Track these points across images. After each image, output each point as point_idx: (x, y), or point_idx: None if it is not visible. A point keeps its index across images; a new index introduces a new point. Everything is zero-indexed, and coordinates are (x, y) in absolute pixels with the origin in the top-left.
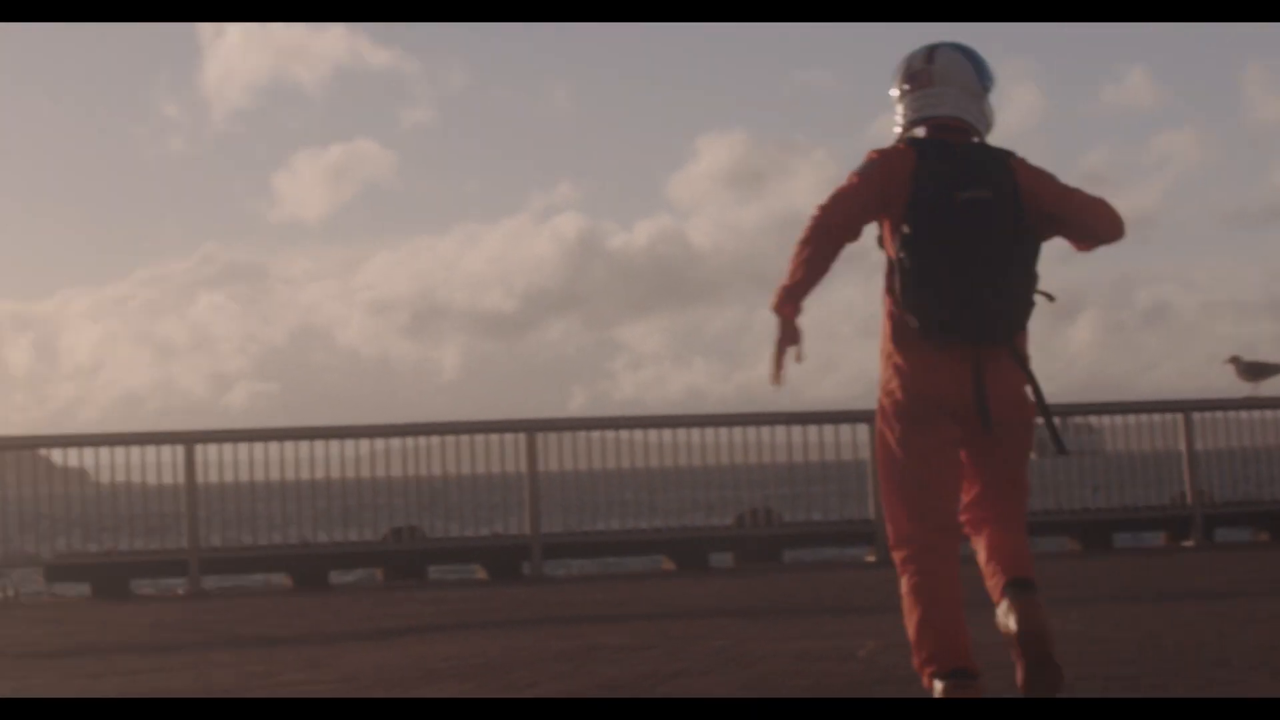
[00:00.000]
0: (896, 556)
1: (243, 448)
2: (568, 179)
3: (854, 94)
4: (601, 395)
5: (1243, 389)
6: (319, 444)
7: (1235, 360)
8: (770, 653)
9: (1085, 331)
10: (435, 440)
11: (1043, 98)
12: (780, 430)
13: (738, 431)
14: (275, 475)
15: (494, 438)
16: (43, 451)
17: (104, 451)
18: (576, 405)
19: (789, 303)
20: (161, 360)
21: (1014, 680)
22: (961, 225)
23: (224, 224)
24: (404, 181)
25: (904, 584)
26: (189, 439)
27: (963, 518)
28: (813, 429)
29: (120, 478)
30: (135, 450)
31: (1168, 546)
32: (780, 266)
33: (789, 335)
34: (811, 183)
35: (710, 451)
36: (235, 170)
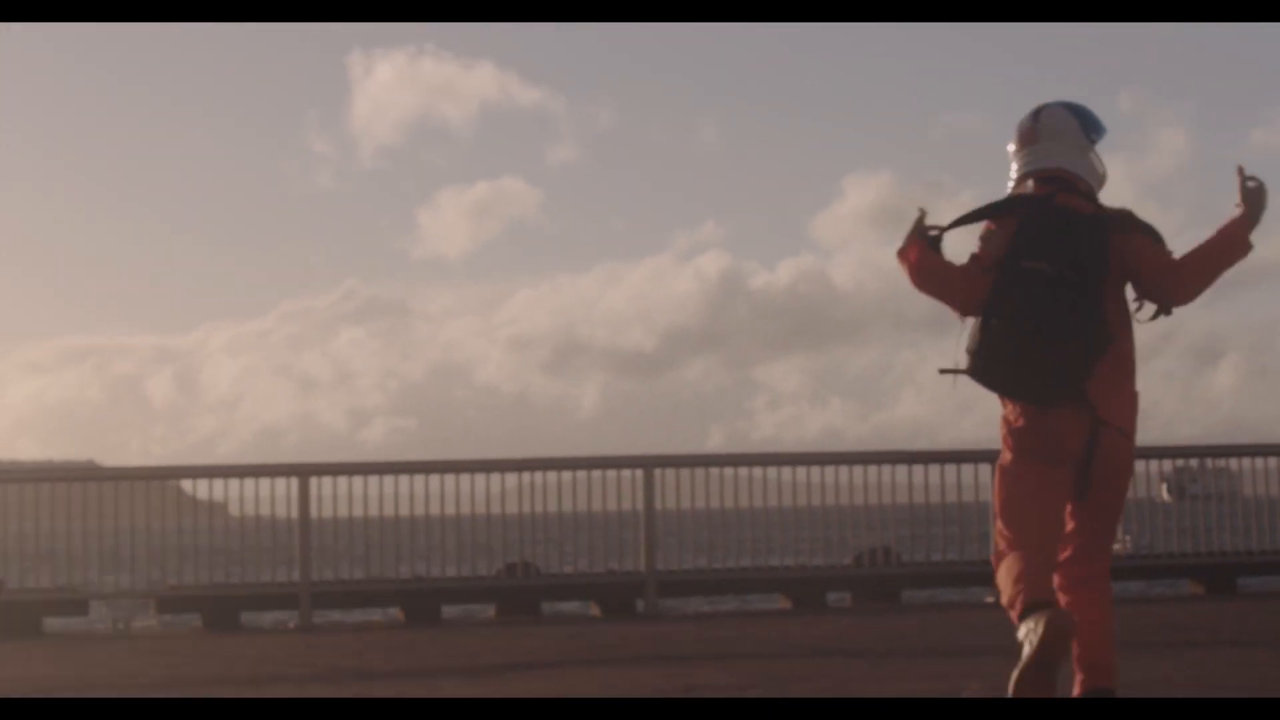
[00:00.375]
0: (995, 561)
1: (358, 481)
2: (712, 218)
3: (1000, 136)
4: (739, 435)
5: None
6: (434, 478)
7: None
8: (872, 693)
9: (1227, 376)
10: (552, 476)
11: (1191, 140)
12: (901, 470)
13: (858, 471)
14: (390, 510)
15: (611, 474)
16: (174, 483)
17: (233, 484)
18: (714, 444)
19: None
20: (301, 394)
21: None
22: (1020, 293)
23: (367, 260)
24: (548, 219)
25: (999, 568)
26: (303, 471)
27: (1056, 578)
28: (934, 469)
29: (250, 511)
30: (265, 483)
31: None
32: (920, 307)
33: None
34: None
35: (830, 491)
36: (380, 207)
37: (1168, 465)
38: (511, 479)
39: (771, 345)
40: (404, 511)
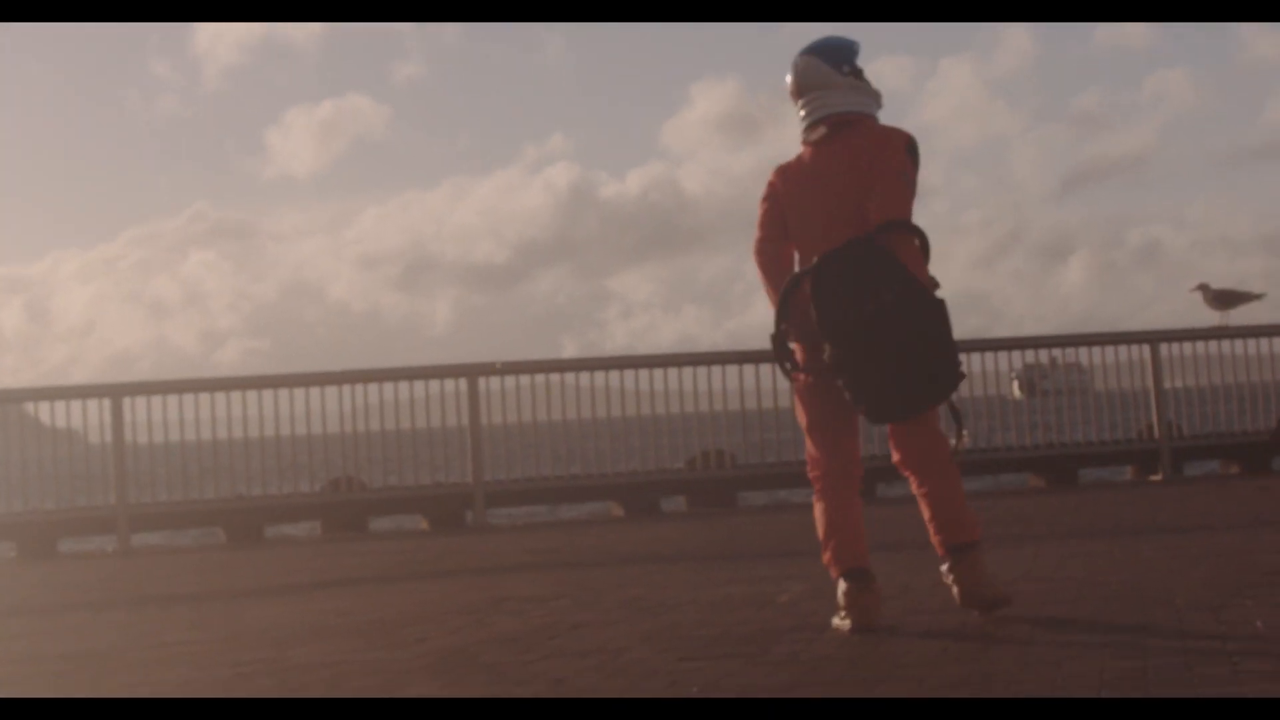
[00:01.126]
0: (812, 478)
1: (173, 401)
2: (560, 130)
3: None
4: (592, 345)
5: (1212, 318)
6: (250, 395)
7: (1204, 288)
8: (686, 600)
9: (1077, 273)
10: (374, 388)
11: (1035, 42)
12: (732, 371)
13: (689, 375)
14: (207, 433)
15: (435, 384)
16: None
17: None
18: (569, 355)
19: (777, 325)
20: (153, 319)
21: (1009, 678)
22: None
23: (215, 182)
24: (396, 136)
25: (816, 502)
26: (116, 392)
27: (895, 459)
28: (765, 369)
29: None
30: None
31: (1134, 481)
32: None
33: (781, 356)
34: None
35: (663, 398)
36: (226, 128)
37: (1019, 363)
38: (332, 394)
39: (623, 255)
40: (222, 434)
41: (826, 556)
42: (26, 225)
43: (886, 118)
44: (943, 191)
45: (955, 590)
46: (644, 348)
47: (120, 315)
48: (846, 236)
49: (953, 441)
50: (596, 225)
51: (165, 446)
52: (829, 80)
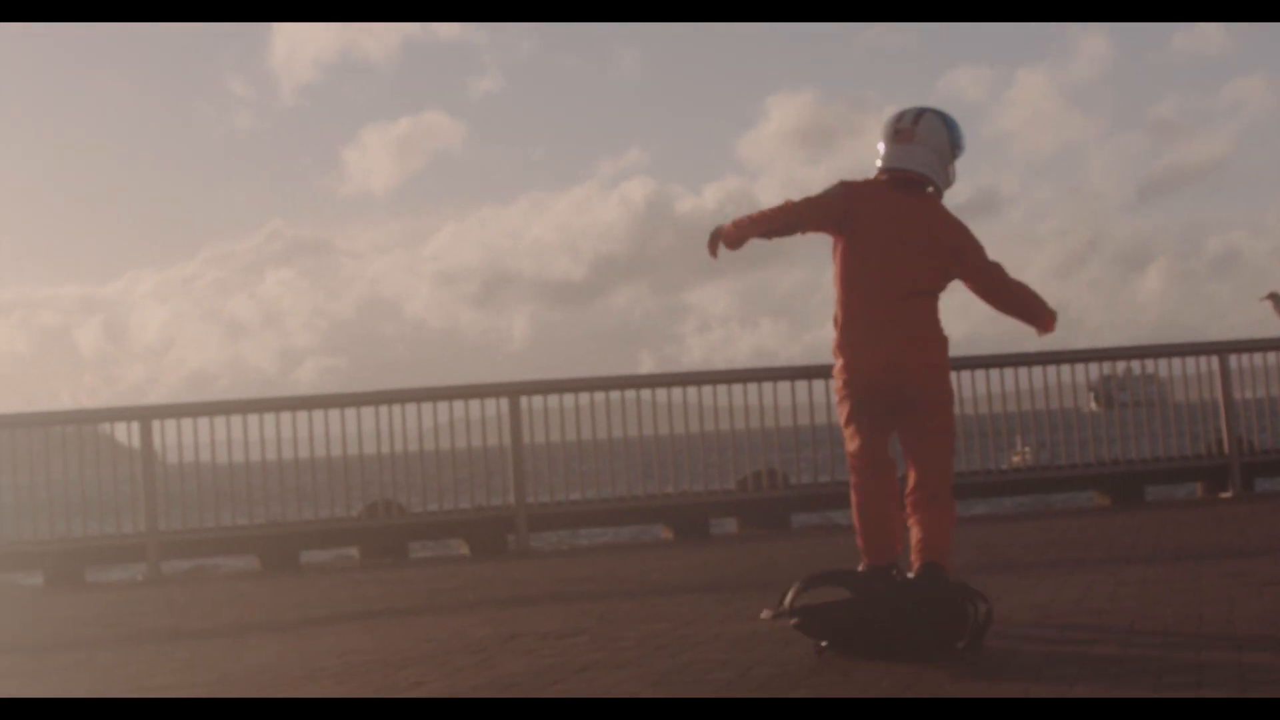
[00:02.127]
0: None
1: (204, 423)
2: (637, 144)
3: (921, 51)
4: (669, 359)
5: None
6: (285, 416)
7: (1274, 296)
8: (710, 636)
9: (1154, 281)
10: (413, 408)
11: (1112, 47)
12: (784, 387)
13: (739, 391)
14: (240, 455)
15: (475, 404)
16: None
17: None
18: (645, 370)
19: (730, 229)
20: (230, 338)
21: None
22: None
23: (291, 200)
24: (472, 152)
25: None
26: (145, 415)
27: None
28: (819, 384)
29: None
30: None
31: (1203, 499)
32: None
33: (713, 245)
34: (881, 138)
35: (710, 415)
36: (302, 146)
37: (1095, 374)
38: (369, 415)
39: (700, 269)
40: (255, 456)
41: (860, 544)
42: (102, 244)
43: (967, 126)
44: (1019, 201)
45: None
46: (721, 361)
47: (197, 334)
48: (900, 276)
49: (1015, 459)
50: (673, 240)
51: (196, 469)
52: (941, 149)
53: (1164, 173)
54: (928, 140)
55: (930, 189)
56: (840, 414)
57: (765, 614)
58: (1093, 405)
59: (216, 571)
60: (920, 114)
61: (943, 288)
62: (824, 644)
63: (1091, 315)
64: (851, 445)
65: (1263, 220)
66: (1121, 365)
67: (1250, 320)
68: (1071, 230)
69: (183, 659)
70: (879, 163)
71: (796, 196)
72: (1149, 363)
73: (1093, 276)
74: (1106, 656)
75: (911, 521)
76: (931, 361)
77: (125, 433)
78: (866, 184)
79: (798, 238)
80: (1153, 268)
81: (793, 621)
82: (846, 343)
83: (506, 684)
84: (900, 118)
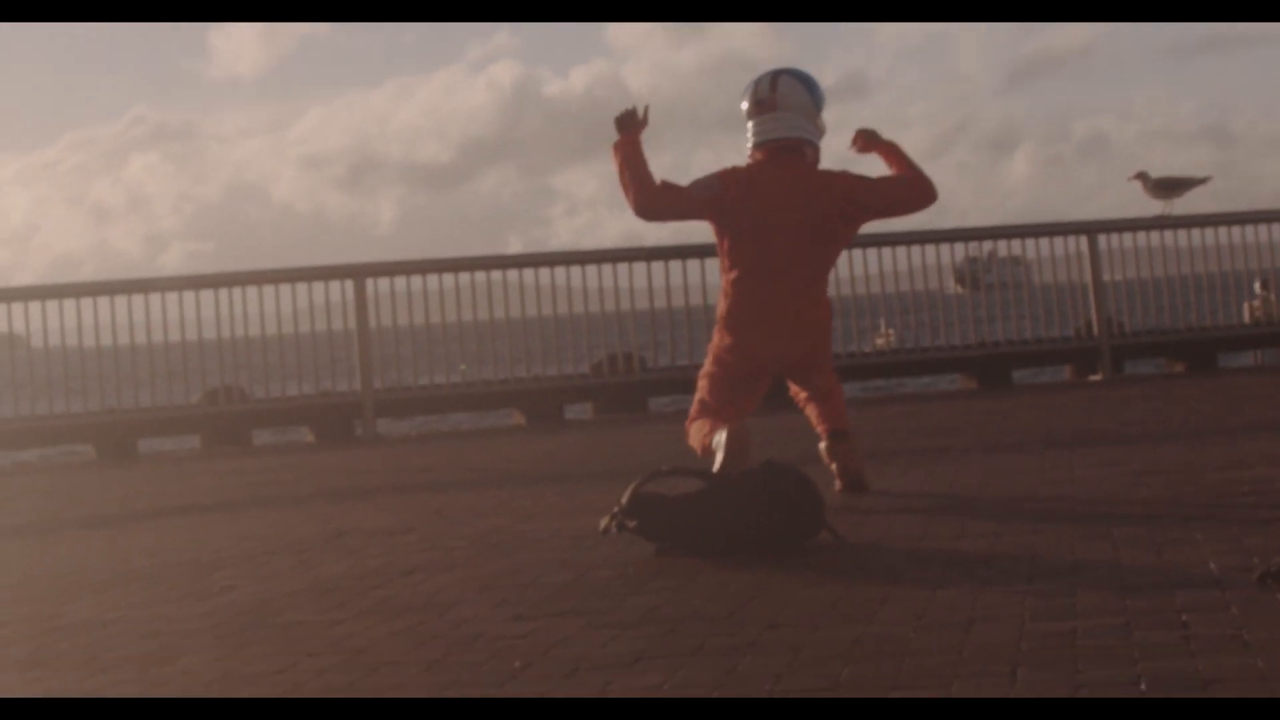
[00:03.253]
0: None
1: (34, 308)
2: (504, 28)
3: None
4: (537, 242)
5: (1153, 207)
6: (120, 300)
7: (1142, 176)
8: (549, 533)
9: (1022, 165)
10: (254, 291)
11: None
12: (640, 269)
13: (591, 272)
14: (74, 340)
15: (319, 286)
16: None
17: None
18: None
19: (623, 151)
20: (96, 223)
21: (903, 645)
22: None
23: (156, 84)
24: (339, 35)
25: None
26: None
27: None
28: (676, 265)
29: None
30: None
31: (1072, 382)
32: (715, 108)
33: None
34: (750, 24)
35: (564, 296)
36: (168, 29)
37: (960, 256)
38: (209, 300)
39: (568, 152)
40: (90, 341)
41: (703, 429)
42: None
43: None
44: (887, 84)
45: (834, 468)
46: (589, 244)
47: (63, 219)
48: (794, 268)
49: (879, 341)
50: (541, 123)
51: (28, 357)
52: (806, 110)
53: (1033, 57)
54: (790, 103)
55: (808, 149)
56: (709, 373)
57: (602, 525)
58: (956, 287)
59: (48, 463)
60: (775, 78)
61: (843, 246)
62: (666, 545)
63: (958, 199)
64: (712, 400)
65: (1130, 105)
66: (987, 246)
67: (1117, 203)
68: (940, 114)
69: None
70: (749, 141)
71: (665, 83)
72: (1014, 244)
73: (960, 160)
74: (974, 555)
75: (809, 398)
76: (823, 340)
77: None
78: (744, 170)
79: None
80: (1020, 151)
81: (631, 526)
82: (736, 326)
83: (324, 588)
84: (756, 89)
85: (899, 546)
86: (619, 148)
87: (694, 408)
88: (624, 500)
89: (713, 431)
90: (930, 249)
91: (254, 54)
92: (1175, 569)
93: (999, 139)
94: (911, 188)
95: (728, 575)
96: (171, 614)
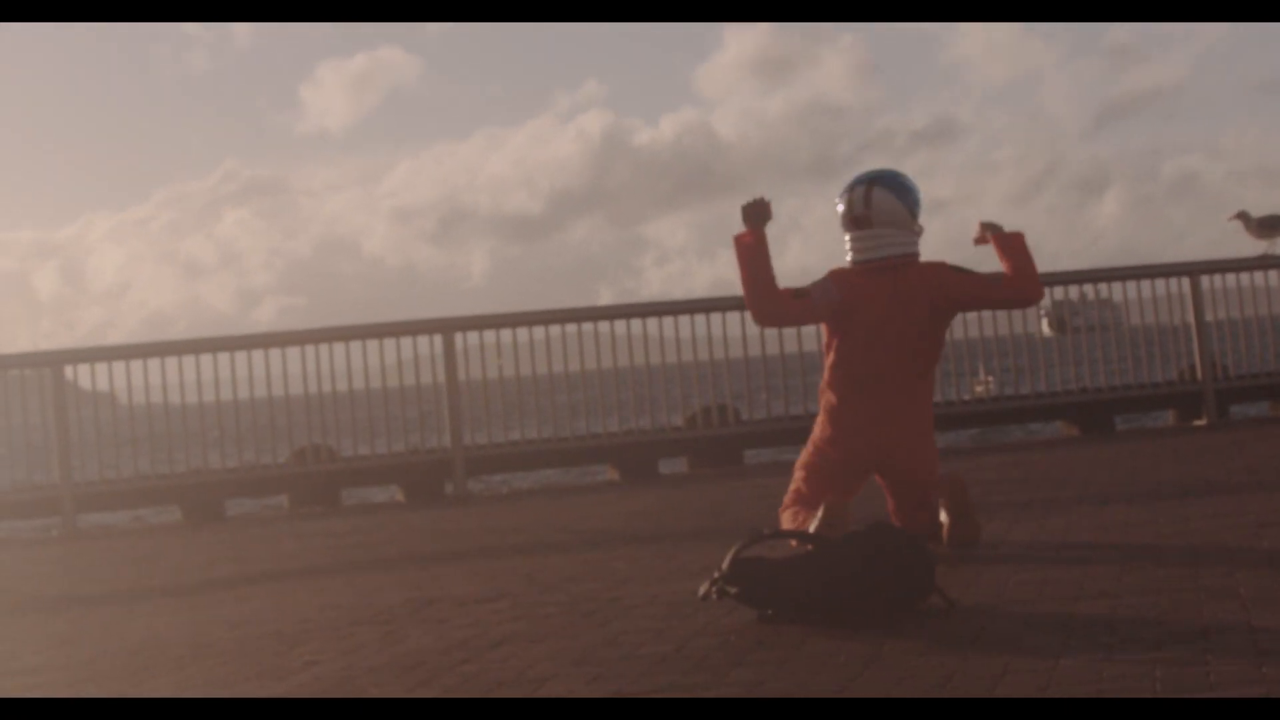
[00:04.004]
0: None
1: (119, 368)
2: (593, 76)
3: None
4: (628, 292)
5: (1256, 247)
6: (205, 360)
7: (1243, 216)
8: (645, 598)
9: (1112, 206)
10: (340, 347)
11: None
12: (734, 318)
13: (685, 322)
14: (158, 397)
15: (406, 341)
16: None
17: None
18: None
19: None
20: (187, 279)
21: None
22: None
23: (246, 139)
24: (427, 88)
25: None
26: (56, 360)
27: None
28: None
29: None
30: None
31: (1176, 427)
32: (803, 155)
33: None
34: (838, 67)
35: (656, 347)
36: (258, 84)
37: (1048, 299)
38: (295, 354)
39: (657, 201)
40: (175, 399)
41: (797, 518)
42: (57, 188)
43: (918, 56)
44: (975, 130)
45: (943, 516)
46: (679, 293)
47: (155, 276)
48: (903, 360)
49: (977, 389)
50: (630, 173)
51: (113, 419)
52: (901, 221)
53: (1121, 98)
54: (885, 218)
55: (907, 261)
56: (807, 463)
57: (702, 591)
58: (1045, 330)
59: (134, 525)
60: (868, 192)
61: (941, 339)
62: (769, 612)
63: (1049, 242)
64: (808, 489)
65: (1218, 143)
66: (1075, 290)
67: (1206, 242)
68: (1028, 157)
69: (63, 632)
70: (849, 256)
71: (753, 129)
72: (1103, 287)
73: (1050, 202)
74: (1094, 618)
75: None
76: (925, 445)
77: (87, 377)
78: (851, 274)
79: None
80: (1109, 193)
81: (732, 592)
82: (840, 419)
83: (410, 664)
84: (850, 202)
85: (1015, 610)
86: (744, 243)
87: (789, 496)
88: (725, 565)
89: (807, 521)
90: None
91: (342, 107)
92: None
93: (1088, 181)
94: (1010, 288)
95: (835, 644)
96: (251, 692)
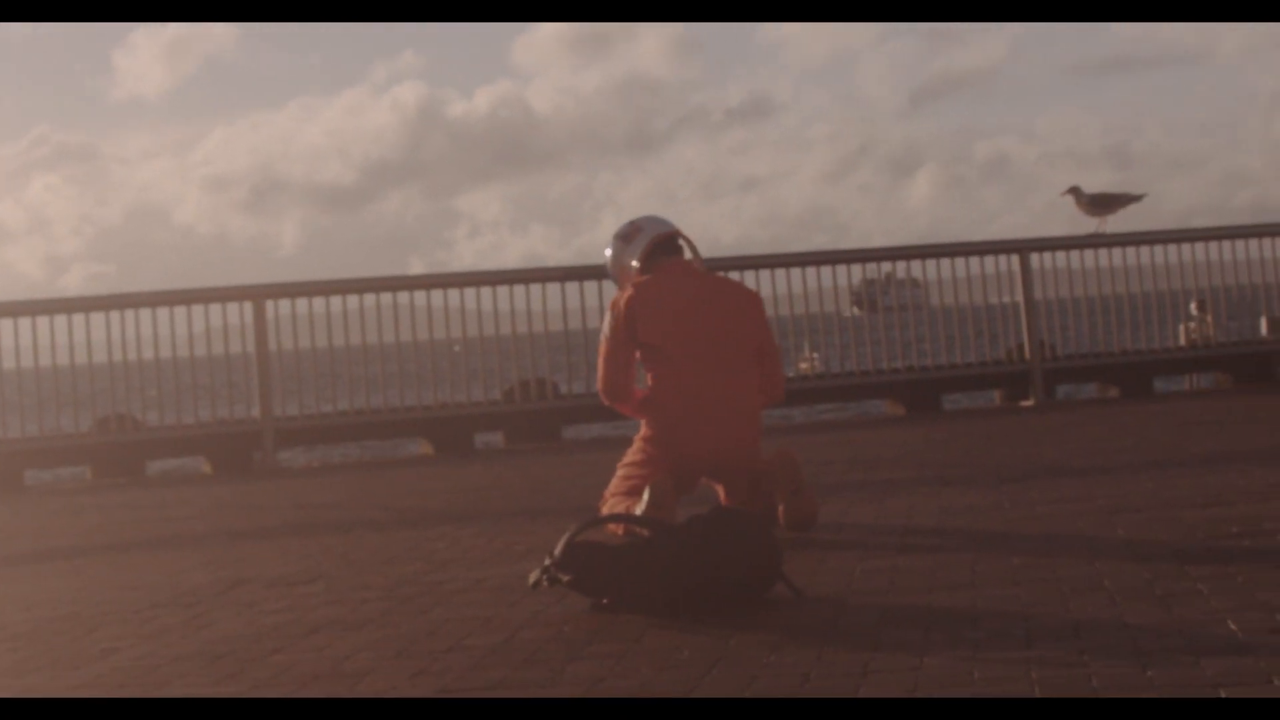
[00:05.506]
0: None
1: None
2: (411, 47)
3: None
4: (440, 264)
5: (1087, 224)
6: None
7: (1075, 191)
8: (469, 582)
9: (924, 186)
10: (147, 313)
11: None
12: (554, 290)
13: (503, 294)
14: None
15: (215, 308)
16: None
17: None
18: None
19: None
20: None
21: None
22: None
23: (59, 105)
24: (244, 56)
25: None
26: None
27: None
28: (591, 286)
29: None
30: None
31: (1004, 407)
32: (619, 130)
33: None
34: (655, 44)
35: (473, 320)
36: (72, 50)
37: (858, 278)
38: (99, 321)
39: (472, 174)
40: None
41: (621, 505)
42: None
43: (736, 33)
44: (790, 107)
45: (780, 500)
46: (491, 265)
47: None
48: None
49: (803, 366)
50: (445, 144)
51: None
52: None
53: (936, 78)
54: (618, 262)
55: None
56: (634, 460)
57: (532, 578)
58: (854, 310)
59: None
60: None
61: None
62: (604, 601)
63: (861, 220)
64: (633, 484)
65: (1032, 127)
66: (885, 268)
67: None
68: (843, 135)
69: None
70: (635, 261)
71: (570, 104)
72: (913, 264)
73: (863, 181)
74: (954, 611)
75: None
76: (753, 442)
77: None
78: (642, 279)
79: None
80: (922, 173)
81: (565, 580)
82: (660, 419)
83: (216, 653)
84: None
85: (867, 602)
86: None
87: (611, 488)
88: (556, 551)
89: (631, 507)
90: (826, 270)
91: (158, 74)
92: (1190, 629)
93: (901, 161)
94: (772, 383)
95: (678, 637)
96: (43, 686)
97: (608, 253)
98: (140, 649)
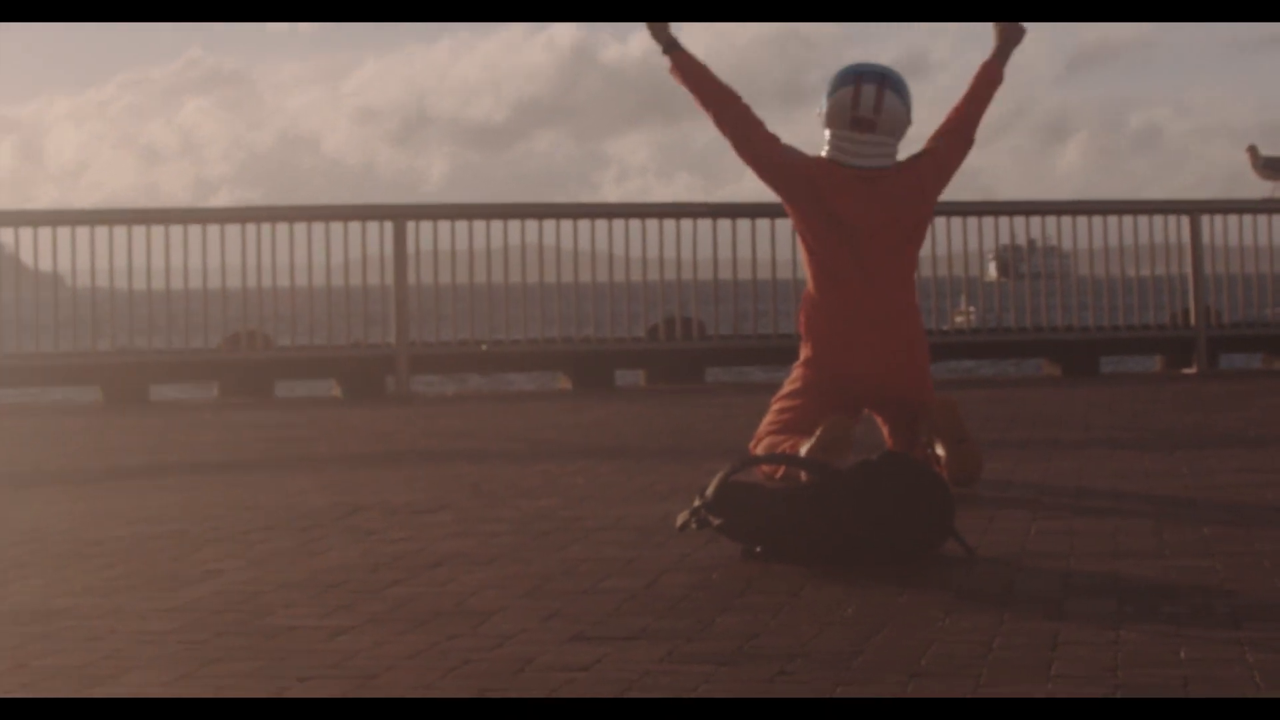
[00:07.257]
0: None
1: (45, 235)
2: None
3: None
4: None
5: (1261, 188)
6: (138, 230)
7: (1252, 151)
8: (609, 521)
9: (1074, 153)
10: (284, 232)
11: None
12: (705, 229)
13: (653, 230)
14: (85, 281)
15: (355, 237)
16: None
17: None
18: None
19: (684, 56)
20: (146, 165)
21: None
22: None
23: (210, 28)
24: None
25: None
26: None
27: None
28: (744, 226)
29: None
30: None
31: (1165, 374)
32: (775, 80)
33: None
34: None
35: (620, 263)
36: None
37: (998, 244)
38: (234, 232)
39: (622, 118)
40: (102, 283)
41: (782, 441)
42: (15, 65)
43: None
44: (948, 66)
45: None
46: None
47: (112, 159)
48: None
49: (958, 319)
50: (598, 86)
51: (36, 294)
52: (901, 130)
53: (1093, 46)
54: (891, 126)
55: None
56: (790, 391)
57: (680, 519)
58: (993, 274)
59: (47, 404)
60: (880, 93)
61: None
62: (758, 549)
63: (1010, 182)
64: (791, 417)
65: (1186, 99)
66: (1023, 236)
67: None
68: (998, 97)
69: None
70: (826, 150)
71: (724, 51)
72: (1051, 234)
73: (1015, 144)
74: (1146, 583)
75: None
76: (920, 366)
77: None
78: (831, 167)
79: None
80: (1074, 140)
81: (716, 523)
82: (820, 336)
83: (328, 582)
84: (858, 103)
85: (1045, 565)
86: (676, 62)
87: (765, 426)
88: (709, 492)
89: (796, 447)
90: (973, 228)
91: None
92: None
93: (1055, 126)
94: (957, 136)
95: (840, 592)
96: (134, 607)
97: (826, 103)
98: (246, 573)
